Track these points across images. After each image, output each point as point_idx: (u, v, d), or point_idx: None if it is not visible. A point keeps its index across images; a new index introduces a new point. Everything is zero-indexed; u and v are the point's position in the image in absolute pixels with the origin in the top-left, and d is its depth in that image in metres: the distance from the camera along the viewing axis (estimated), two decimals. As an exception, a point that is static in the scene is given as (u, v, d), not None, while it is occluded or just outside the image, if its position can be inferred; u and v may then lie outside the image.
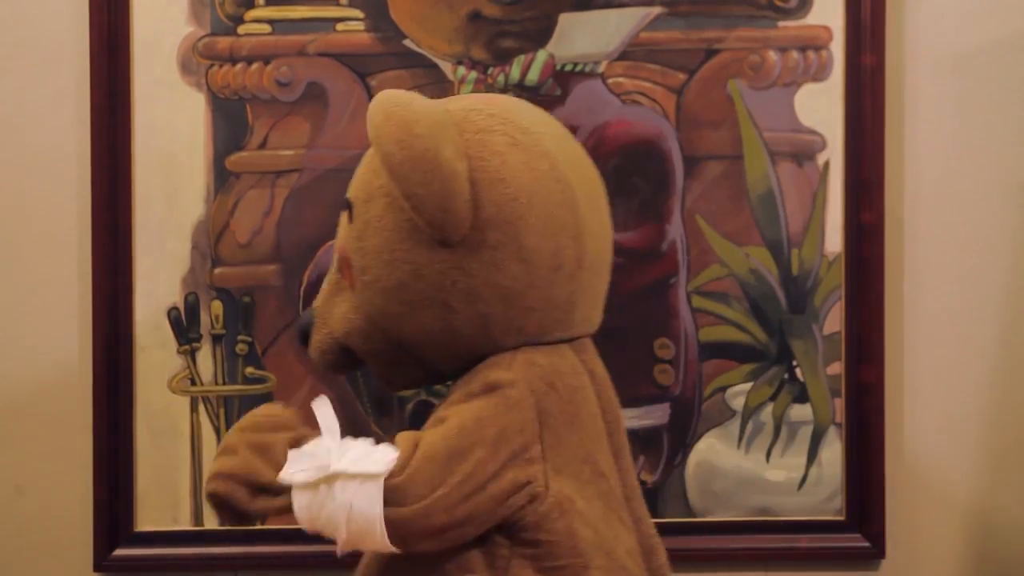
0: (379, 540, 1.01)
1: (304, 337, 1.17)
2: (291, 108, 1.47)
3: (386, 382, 1.18)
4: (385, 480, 1.00)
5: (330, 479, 1.01)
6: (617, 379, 1.47)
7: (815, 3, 1.47)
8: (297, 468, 1.03)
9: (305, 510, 1.03)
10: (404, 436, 1.05)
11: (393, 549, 1.02)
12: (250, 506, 1.06)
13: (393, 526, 1.01)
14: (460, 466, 1.01)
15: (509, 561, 1.05)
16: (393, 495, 1.00)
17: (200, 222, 1.47)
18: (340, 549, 1.05)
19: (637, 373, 1.47)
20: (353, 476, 1.01)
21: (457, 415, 1.04)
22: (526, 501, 1.04)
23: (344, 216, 1.13)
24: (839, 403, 1.49)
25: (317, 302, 1.16)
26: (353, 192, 1.12)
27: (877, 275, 1.48)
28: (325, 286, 1.16)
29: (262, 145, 1.47)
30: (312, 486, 1.02)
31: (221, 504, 1.07)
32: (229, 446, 1.08)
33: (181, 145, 1.47)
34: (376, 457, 1.02)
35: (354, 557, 1.47)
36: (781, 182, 1.48)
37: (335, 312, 1.13)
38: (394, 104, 1.04)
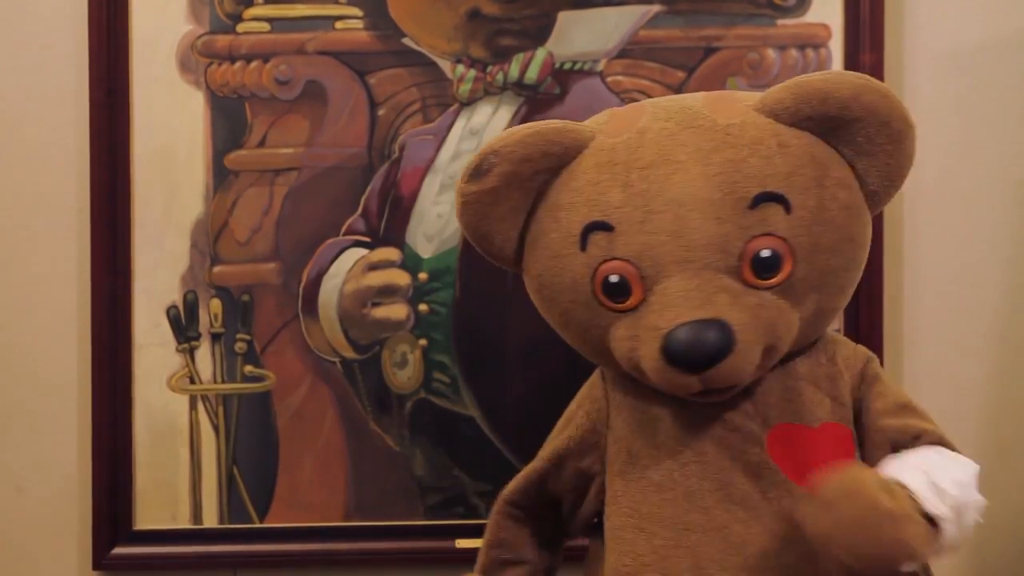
0: None
1: (715, 356, 1.01)
2: (290, 106, 1.47)
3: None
4: None
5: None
6: (616, 377, 1.47)
7: (814, 1, 1.47)
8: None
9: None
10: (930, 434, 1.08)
11: None
12: None
13: None
14: None
15: None
16: None
17: (199, 220, 1.47)
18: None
19: (636, 371, 1.47)
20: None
21: (901, 390, 1.14)
22: None
23: (737, 215, 1.04)
24: (838, 401, 1.49)
25: (718, 312, 1.01)
26: (779, 184, 1.04)
27: (876, 273, 1.47)
28: (715, 294, 1.03)
29: (261, 143, 1.47)
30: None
31: None
32: None
33: (180, 143, 1.47)
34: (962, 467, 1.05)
35: (351, 555, 1.48)
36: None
37: (763, 315, 1.03)
38: (867, 83, 1.06)
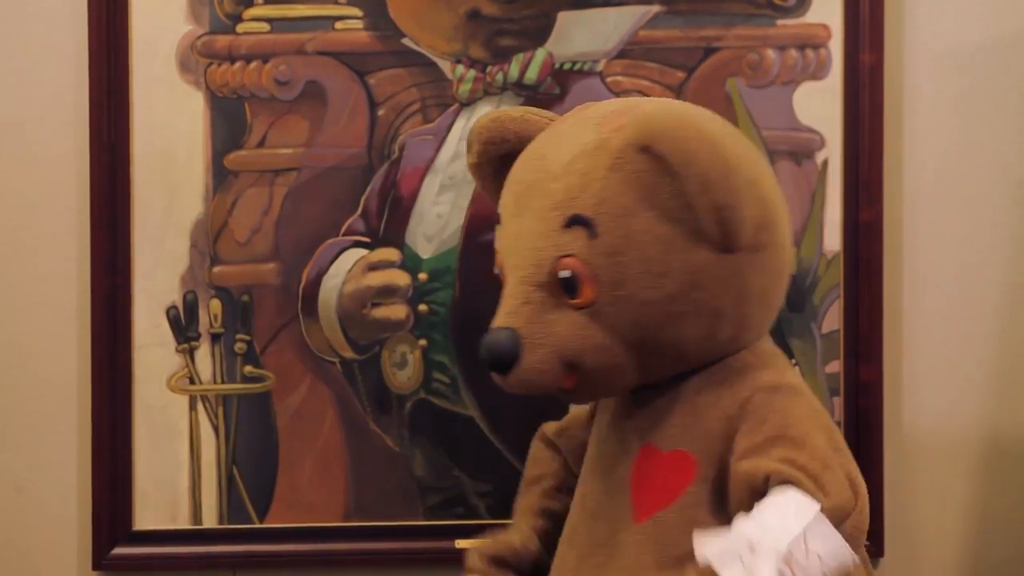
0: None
1: (503, 361, 1.06)
2: (290, 107, 1.47)
3: (590, 395, 1.16)
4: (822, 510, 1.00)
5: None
6: (616, 377, 1.47)
7: (814, 1, 1.47)
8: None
9: None
10: (783, 480, 1.03)
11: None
12: None
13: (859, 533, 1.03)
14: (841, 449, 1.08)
15: None
16: (837, 515, 1.00)
17: (199, 220, 1.47)
18: None
19: (636, 371, 1.47)
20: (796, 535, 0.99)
21: (797, 424, 1.06)
22: None
23: (550, 233, 1.06)
24: (838, 401, 1.49)
25: (516, 323, 1.06)
26: (592, 209, 1.04)
27: (876, 273, 1.48)
28: (522, 305, 1.07)
29: (261, 144, 1.47)
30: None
31: None
32: None
33: (180, 144, 1.47)
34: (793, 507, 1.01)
35: (351, 555, 1.48)
36: (780, 181, 1.47)
37: (557, 331, 1.06)
38: (686, 118, 1.05)
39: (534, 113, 1.17)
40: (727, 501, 1.05)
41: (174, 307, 1.47)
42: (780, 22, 1.48)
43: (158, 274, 1.47)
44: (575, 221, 1.05)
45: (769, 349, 1.15)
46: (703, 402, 1.09)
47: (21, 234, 1.49)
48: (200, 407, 1.48)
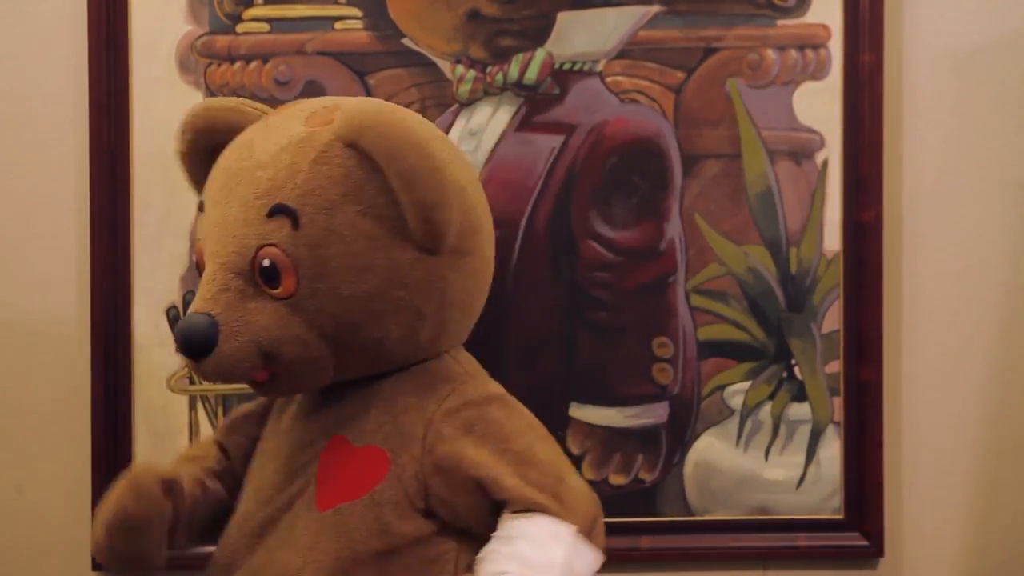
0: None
1: (199, 347, 1.05)
2: (290, 107, 1.47)
3: (286, 388, 1.15)
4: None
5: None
6: (616, 378, 1.48)
7: (813, 2, 1.47)
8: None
9: None
10: (521, 498, 1.05)
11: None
12: None
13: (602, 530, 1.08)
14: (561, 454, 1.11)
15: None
16: (588, 526, 1.06)
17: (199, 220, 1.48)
18: None
19: (636, 372, 1.47)
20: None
21: (519, 437, 1.08)
22: None
23: (255, 222, 1.07)
24: (838, 402, 1.49)
25: (214, 309, 1.06)
26: (296, 200, 1.05)
27: (875, 274, 1.48)
28: (220, 292, 1.06)
29: (261, 144, 1.47)
30: None
31: None
32: None
33: (180, 144, 1.47)
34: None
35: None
36: (779, 181, 1.48)
37: (255, 320, 1.06)
38: (394, 116, 1.05)
39: (247, 104, 1.17)
40: (416, 503, 1.08)
41: (174, 307, 1.48)
42: (780, 22, 1.48)
43: (158, 274, 1.47)
44: (279, 210, 1.05)
45: (469, 358, 1.17)
46: (404, 403, 1.10)
47: (21, 234, 1.49)
48: (200, 407, 1.48)
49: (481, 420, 1.09)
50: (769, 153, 1.48)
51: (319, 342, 1.07)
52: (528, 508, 1.04)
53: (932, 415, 1.51)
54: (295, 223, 1.05)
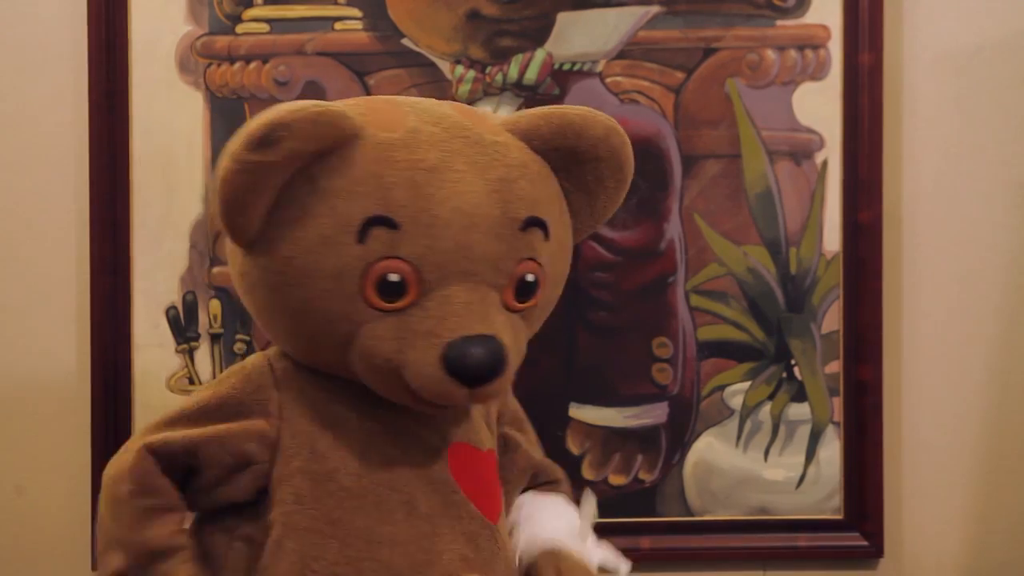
0: None
1: (495, 372, 1.00)
2: (289, 107, 1.47)
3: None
4: None
5: None
6: (616, 378, 1.48)
7: (813, 2, 1.47)
8: None
9: None
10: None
11: None
12: None
13: None
14: None
15: None
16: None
17: (198, 221, 1.47)
18: None
19: (635, 372, 1.47)
20: None
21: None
22: None
23: (512, 236, 1.03)
24: (837, 402, 1.49)
25: (492, 330, 1.00)
26: (542, 210, 1.03)
27: (875, 274, 1.48)
28: (492, 312, 1.02)
29: (260, 144, 1.47)
30: None
31: None
32: None
33: (179, 144, 1.47)
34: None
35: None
36: (779, 181, 1.48)
37: (519, 338, 1.05)
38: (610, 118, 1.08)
39: (335, 108, 1.06)
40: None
41: (173, 308, 1.48)
42: (779, 23, 1.48)
43: (157, 275, 1.47)
44: (533, 223, 1.03)
45: None
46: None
47: (21, 234, 1.49)
48: (200, 407, 1.48)
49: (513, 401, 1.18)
50: (769, 153, 1.48)
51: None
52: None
53: (932, 415, 1.51)
54: (546, 234, 1.03)
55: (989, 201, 1.51)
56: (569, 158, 1.06)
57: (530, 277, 1.02)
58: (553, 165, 1.06)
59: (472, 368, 0.99)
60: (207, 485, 1.07)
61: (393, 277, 1.00)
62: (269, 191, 1.01)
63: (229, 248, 1.08)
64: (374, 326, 1.02)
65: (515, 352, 1.02)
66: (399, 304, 1.01)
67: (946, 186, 1.50)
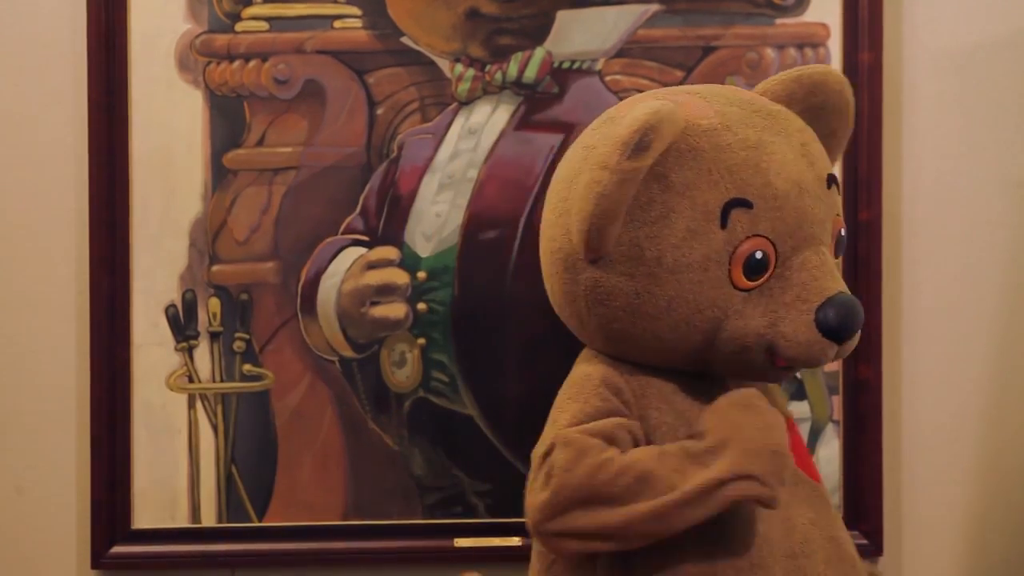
0: None
1: (858, 326, 1.07)
2: (289, 105, 1.47)
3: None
4: None
5: None
6: (615, 376, 1.47)
7: (812, 1, 1.47)
8: None
9: None
10: None
11: None
12: None
13: None
14: None
15: None
16: None
17: (198, 219, 1.47)
18: None
19: (635, 370, 1.47)
20: None
21: None
22: None
23: (826, 195, 1.10)
24: (837, 400, 1.49)
25: (842, 286, 1.08)
26: (832, 168, 1.13)
27: (875, 273, 1.48)
28: (835, 270, 1.09)
29: (260, 142, 1.47)
30: None
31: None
32: None
33: (179, 142, 1.47)
34: None
35: (349, 554, 1.48)
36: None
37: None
38: None
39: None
40: None
41: (173, 306, 1.48)
42: (779, 21, 1.48)
43: (157, 273, 1.47)
44: (832, 180, 1.11)
45: None
46: None
47: (20, 233, 1.49)
48: (199, 406, 1.48)
49: None
50: (768, 152, 1.48)
51: None
52: None
53: (931, 414, 1.51)
54: (838, 189, 1.13)
55: (989, 200, 1.51)
56: (812, 113, 1.14)
57: (843, 232, 1.11)
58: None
59: (845, 325, 1.05)
60: None
61: (759, 255, 1.07)
62: (630, 197, 1.07)
63: (550, 270, 1.14)
64: (741, 308, 1.08)
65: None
66: (761, 280, 1.07)
67: (946, 185, 1.50)
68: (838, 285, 1.07)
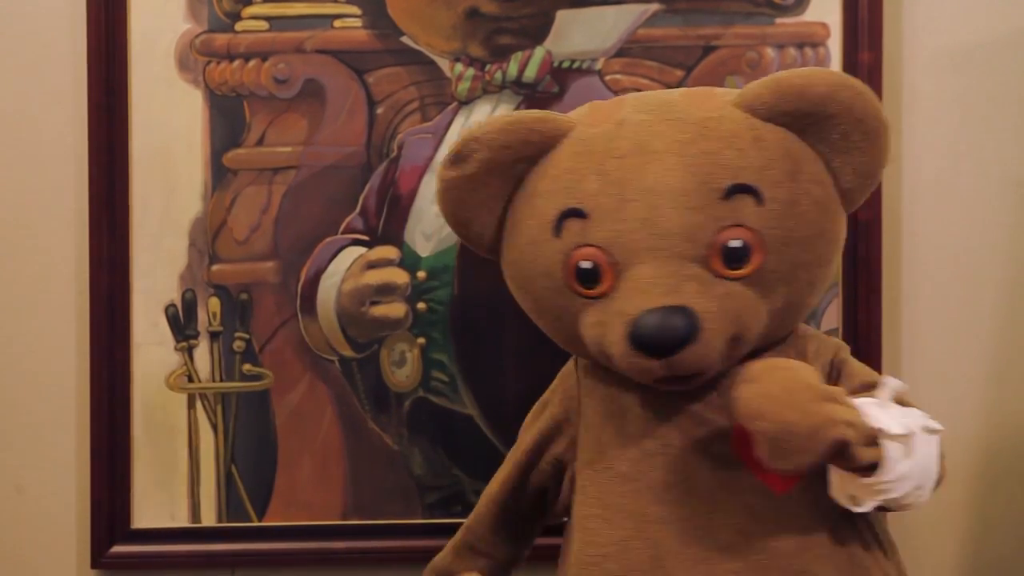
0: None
1: (678, 342, 1.02)
2: (289, 105, 1.47)
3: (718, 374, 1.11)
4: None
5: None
6: (614, 376, 1.47)
7: (812, 0, 1.47)
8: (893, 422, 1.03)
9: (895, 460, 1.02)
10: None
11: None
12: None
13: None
14: None
15: None
16: None
17: (198, 219, 1.47)
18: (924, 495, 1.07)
19: (635, 370, 1.47)
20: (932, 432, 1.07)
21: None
22: None
23: (710, 206, 1.05)
24: (837, 400, 1.49)
25: (680, 300, 1.03)
26: (753, 177, 1.05)
27: (875, 272, 1.48)
28: (683, 282, 1.04)
29: (260, 142, 1.47)
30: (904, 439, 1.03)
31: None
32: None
33: (178, 142, 1.47)
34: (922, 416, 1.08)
35: (349, 554, 1.48)
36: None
37: (726, 305, 1.04)
38: (835, 77, 1.10)
39: (551, 114, 1.16)
40: None
41: (173, 305, 1.48)
42: (779, 20, 1.48)
43: (157, 272, 1.47)
44: (739, 189, 1.05)
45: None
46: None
47: (20, 233, 1.49)
48: (199, 405, 1.48)
49: (851, 364, 1.14)
50: (768, 151, 1.48)
51: (768, 318, 1.08)
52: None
53: (931, 413, 1.51)
54: (758, 199, 1.05)
55: (988, 199, 1.51)
56: (804, 120, 1.08)
57: (735, 243, 1.04)
58: (793, 129, 1.08)
59: (650, 339, 1.02)
60: (551, 499, 1.21)
61: (585, 264, 1.06)
62: (488, 203, 1.12)
63: None
64: (585, 315, 1.08)
65: (718, 319, 1.03)
66: (601, 289, 1.06)
67: (946, 184, 1.50)
68: (668, 299, 1.03)
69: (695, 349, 1.02)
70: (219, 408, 1.48)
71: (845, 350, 1.17)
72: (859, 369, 1.15)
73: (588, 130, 1.11)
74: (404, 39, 1.47)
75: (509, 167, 1.13)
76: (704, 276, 1.04)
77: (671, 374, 1.04)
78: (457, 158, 1.12)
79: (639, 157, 1.07)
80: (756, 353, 1.09)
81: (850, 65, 1.46)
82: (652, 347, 1.02)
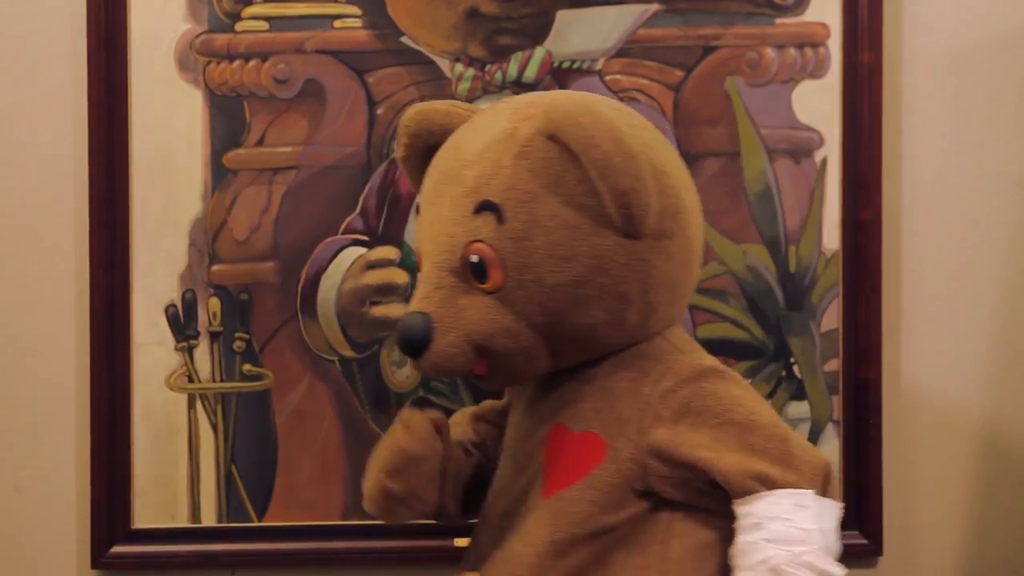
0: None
1: (415, 345, 1.09)
2: (288, 105, 1.47)
3: (503, 380, 1.18)
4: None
5: None
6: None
7: (812, 0, 1.47)
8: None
9: None
10: (763, 469, 1.04)
11: None
12: None
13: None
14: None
15: None
16: (820, 481, 1.05)
17: (198, 219, 1.47)
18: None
19: (635, 370, 1.47)
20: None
21: (738, 407, 1.07)
22: None
23: (463, 220, 1.09)
24: (837, 400, 1.49)
25: (428, 307, 1.09)
26: (500, 195, 1.07)
27: (874, 272, 1.48)
28: (434, 290, 1.09)
29: (260, 142, 1.47)
30: None
31: None
32: None
33: (179, 142, 1.47)
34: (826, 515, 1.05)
35: (349, 554, 1.48)
36: (778, 179, 1.48)
37: (467, 315, 1.09)
38: (594, 109, 1.07)
39: (458, 106, 1.20)
40: (633, 484, 1.08)
41: (173, 305, 1.48)
42: (779, 21, 1.48)
43: (157, 273, 1.47)
44: (484, 207, 1.08)
45: (681, 335, 1.18)
46: (618, 388, 1.12)
47: (20, 233, 1.49)
48: (199, 405, 1.48)
49: (698, 396, 1.09)
50: (768, 151, 1.48)
51: (529, 332, 1.10)
52: (752, 485, 1.03)
53: (931, 414, 1.51)
54: (500, 217, 1.08)
55: (988, 199, 1.51)
56: (567, 145, 1.07)
57: (473, 258, 1.08)
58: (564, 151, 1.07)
59: (399, 340, 1.10)
60: None
61: (414, 258, 1.17)
62: (417, 182, 1.19)
63: None
64: None
65: (453, 328, 1.08)
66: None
67: (945, 184, 1.50)
68: (417, 304, 1.10)
69: (431, 353, 1.08)
70: (219, 408, 1.48)
71: (711, 380, 1.10)
72: (701, 414, 1.08)
73: (462, 127, 1.16)
74: (404, 39, 1.47)
75: (423, 152, 1.19)
76: (458, 286, 1.09)
77: (423, 374, 1.14)
78: (397, 138, 1.22)
79: (454, 163, 1.13)
80: (597, 361, 1.13)
81: (850, 65, 1.47)
82: (400, 347, 1.11)
